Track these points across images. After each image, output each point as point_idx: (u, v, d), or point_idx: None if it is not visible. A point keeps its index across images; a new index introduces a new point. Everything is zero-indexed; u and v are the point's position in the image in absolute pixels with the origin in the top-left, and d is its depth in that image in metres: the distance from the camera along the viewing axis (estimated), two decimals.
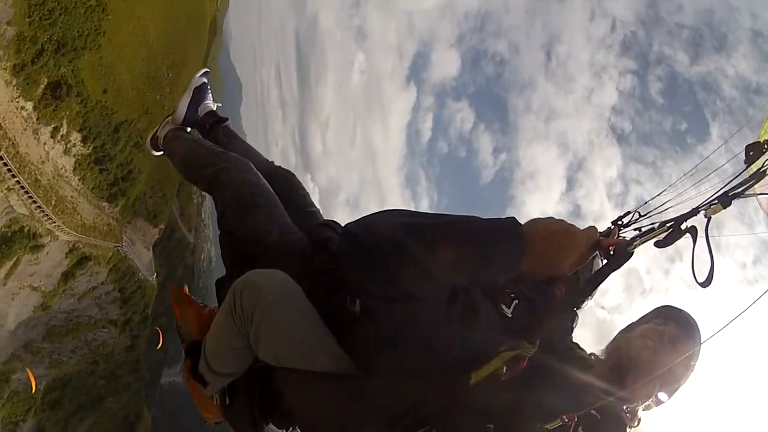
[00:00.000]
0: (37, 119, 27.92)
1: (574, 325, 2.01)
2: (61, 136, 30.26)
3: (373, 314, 1.64)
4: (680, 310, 1.97)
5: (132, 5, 32.23)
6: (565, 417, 1.54)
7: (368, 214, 1.67)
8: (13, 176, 26.82)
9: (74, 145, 31.50)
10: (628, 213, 2.10)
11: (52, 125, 29.15)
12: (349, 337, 1.73)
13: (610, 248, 1.57)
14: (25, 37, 24.80)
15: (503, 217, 1.52)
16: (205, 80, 3.30)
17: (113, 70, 32.10)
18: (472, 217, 1.54)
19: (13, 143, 26.49)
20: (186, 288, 2.54)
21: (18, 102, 26.35)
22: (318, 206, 2.65)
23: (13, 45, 24.58)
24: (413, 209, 1.69)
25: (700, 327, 1.90)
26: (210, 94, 3.27)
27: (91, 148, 32.61)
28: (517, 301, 1.75)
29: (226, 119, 3.12)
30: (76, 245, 32.83)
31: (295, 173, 2.76)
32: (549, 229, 1.51)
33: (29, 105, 27.10)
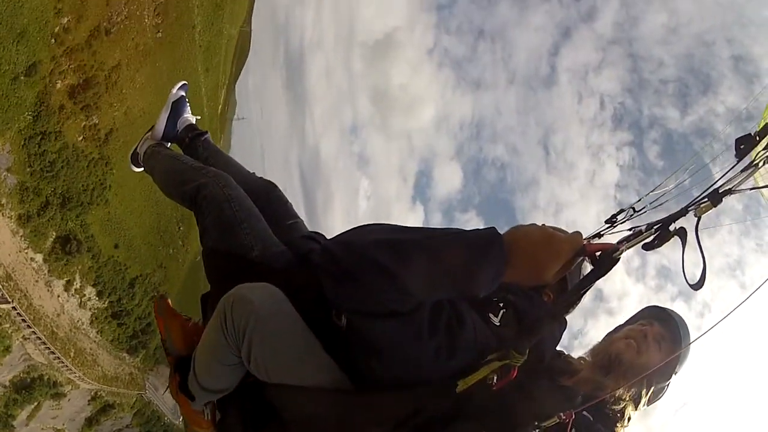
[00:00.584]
0: (49, 272, 29.08)
1: (561, 331, 2.00)
2: (75, 290, 31.35)
3: (358, 329, 1.62)
4: (665, 309, 2.13)
5: None
6: (562, 414, 1.59)
7: (348, 230, 1.73)
8: (29, 326, 27.74)
9: (89, 299, 32.58)
10: (621, 211, 2.05)
11: (65, 279, 30.28)
12: (339, 351, 1.74)
13: (597, 254, 1.54)
14: (28, 187, 26.13)
15: (483, 228, 1.53)
16: (183, 93, 3.30)
17: (123, 225, 33.37)
18: (453, 229, 1.56)
19: (25, 295, 27.88)
20: (169, 300, 2.55)
21: (27, 253, 27.52)
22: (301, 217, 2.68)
23: (16, 194, 25.90)
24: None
25: (687, 325, 2.02)
26: (188, 108, 3.28)
27: (107, 302, 33.77)
28: (504, 310, 1.77)
29: (206, 132, 3.13)
30: (99, 393, 32.46)
31: (276, 184, 2.77)
32: (530, 237, 1.50)
33: (39, 257, 28.26)
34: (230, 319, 1.81)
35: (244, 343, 1.79)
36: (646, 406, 2.01)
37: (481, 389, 1.53)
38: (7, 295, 26.48)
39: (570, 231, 1.56)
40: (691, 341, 1.93)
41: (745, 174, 1.62)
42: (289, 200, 2.72)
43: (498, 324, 1.75)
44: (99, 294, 33.09)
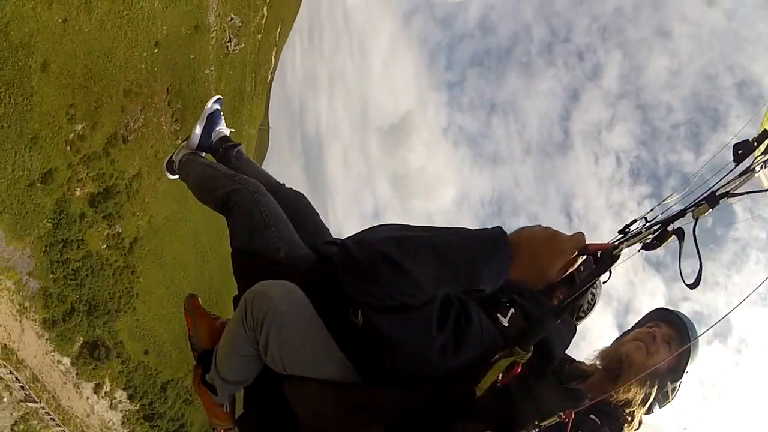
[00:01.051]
0: (77, 374, 29.47)
1: (571, 335, 2.06)
2: (105, 392, 31.42)
3: (372, 325, 1.69)
4: (672, 310, 2.22)
5: (162, 266, 33.84)
6: (562, 414, 1.63)
7: (365, 228, 1.81)
8: (58, 425, 27.93)
9: (120, 402, 32.73)
10: (635, 221, 2.11)
11: (94, 382, 30.53)
12: (353, 348, 1.84)
13: (598, 253, 1.61)
14: (51, 293, 26.40)
15: (490, 227, 1.61)
16: (218, 107, 3.53)
17: (152, 331, 33.34)
18: (461, 228, 1.64)
19: (53, 396, 28.50)
20: (199, 299, 2.72)
21: (53, 356, 27.88)
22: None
23: (39, 299, 26.06)
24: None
25: (695, 326, 2.11)
26: (223, 120, 3.49)
27: (138, 405, 33.74)
28: (513, 311, 1.83)
29: (239, 144, 3.32)
30: None
31: (305, 195, 2.90)
32: (534, 236, 1.59)
33: (66, 360, 28.62)
34: (250, 312, 1.94)
35: (262, 335, 1.92)
36: (658, 407, 2.06)
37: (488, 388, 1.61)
38: (33, 395, 26.99)
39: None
40: (699, 335, 2.01)
41: (742, 178, 1.69)
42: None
43: (506, 325, 1.80)
44: (130, 397, 33.23)
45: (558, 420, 1.64)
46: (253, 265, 2.34)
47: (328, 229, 2.75)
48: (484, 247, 1.55)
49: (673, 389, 2.08)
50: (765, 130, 1.81)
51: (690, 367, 2.08)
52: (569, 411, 1.65)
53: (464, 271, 1.55)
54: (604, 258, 1.58)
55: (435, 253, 1.57)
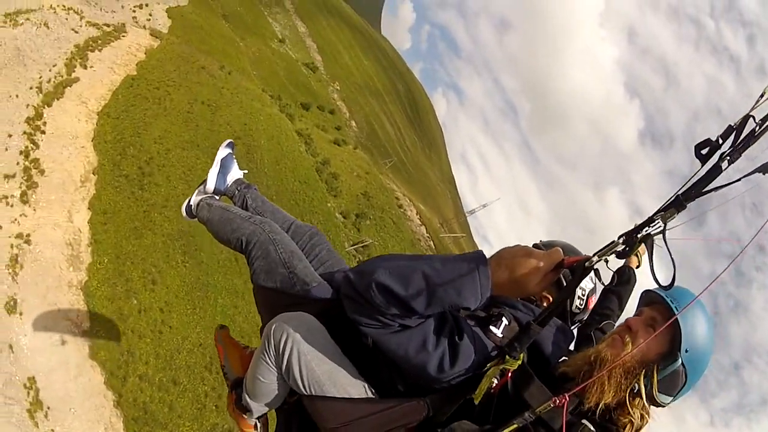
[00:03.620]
0: None
1: (568, 341, 2.22)
2: None
3: (379, 344, 1.86)
4: (650, 290, 2.15)
5: None
6: (556, 399, 1.75)
7: (371, 259, 1.98)
8: None
9: None
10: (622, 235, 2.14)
11: None
12: (367, 366, 2.09)
13: (575, 265, 1.73)
14: None
15: (471, 251, 1.78)
16: (230, 150, 3.66)
17: None
18: (447, 255, 1.83)
19: None
20: (229, 330, 3.04)
21: None
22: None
23: None
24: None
25: (687, 294, 2.00)
26: (235, 164, 3.62)
27: None
28: (507, 323, 2.01)
29: (253, 185, 3.49)
30: None
31: (318, 229, 3.08)
32: (512, 256, 1.74)
33: None
34: (272, 342, 2.17)
35: (283, 362, 2.14)
36: (668, 397, 1.97)
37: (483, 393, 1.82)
38: None
39: None
40: (684, 306, 1.91)
41: (709, 178, 1.71)
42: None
43: (500, 335, 1.99)
44: None
45: (553, 406, 1.76)
46: (273, 299, 2.55)
47: (342, 259, 2.93)
48: (465, 271, 1.69)
49: (676, 375, 1.95)
50: (729, 125, 1.82)
51: (688, 343, 1.93)
52: (563, 396, 1.74)
53: (450, 293, 1.69)
54: (578, 270, 1.72)
55: (424, 280, 1.70)
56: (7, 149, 23.35)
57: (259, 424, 2.61)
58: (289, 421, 2.42)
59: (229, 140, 3.77)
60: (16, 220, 20.98)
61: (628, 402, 1.91)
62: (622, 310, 2.97)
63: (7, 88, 26.56)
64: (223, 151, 3.62)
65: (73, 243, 22.59)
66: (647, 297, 2.17)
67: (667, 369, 1.95)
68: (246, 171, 3.70)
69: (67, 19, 36.26)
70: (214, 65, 41.17)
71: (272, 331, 2.17)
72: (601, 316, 2.88)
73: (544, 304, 2.40)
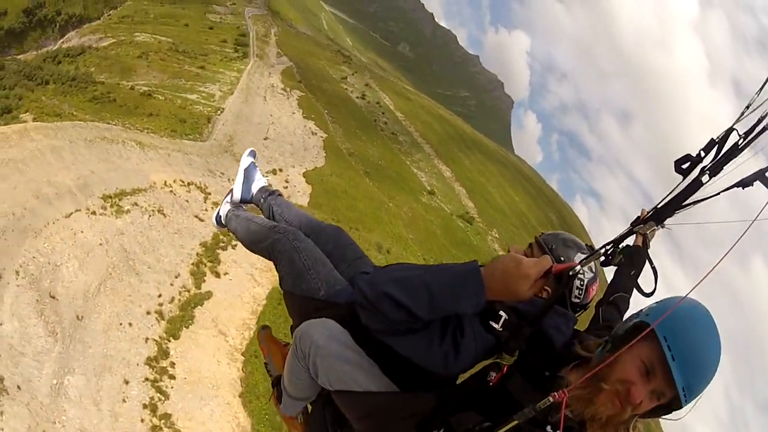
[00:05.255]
0: None
1: (570, 325, 2.29)
2: None
3: (392, 347, 2.12)
4: (642, 322, 1.92)
5: None
6: (555, 394, 1.76)
7: (380, 269, 2.44)
8: None
9: None
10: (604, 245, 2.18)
11: None
12: (386, 364, 2.23)
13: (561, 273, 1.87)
14: None
15: (467, 261, 1.94)
16: (252, 159, 3.76)
17: None
18: (447, 265, 1.99)
19: None
20: (271, 330, 3.39)
21: None
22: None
23: None
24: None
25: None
26: (258, 172, 3.72)
27: None
28: (507, 317, 2.11)
29: (277, 191, 3.62)
30: None
31: (342, 228, 3.23)
32: (503, 265, 1.85)
33: None
34: (299, 347, 2.41)
35: (310, 363, 2.36)
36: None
37: (482, 385, 1.97)
38: None
39: None
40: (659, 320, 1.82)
41: (689, 192, 1.76)
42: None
43: (501, 329, 2.09)
44: None
45: (552, 401, 1.74)
46: (301, 304, 2.71)
47: (367, 257, 3.02)
48: (462, 280, 1.87)
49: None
50: (711, 139, 1.89)
51: (694, 379, 1.77)
52: (561, 391, 1.75)
53: (449, 301, 1.88)
54: (564, 277, 1.85)
55: (426, 291, 1.90)
56: (125, 401, 16.58)
57: (299, 415, 2.89)
58: (324, 409, 2.64)
59: (250, 149, 3.85)
60: None
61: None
62: (632, 287, 2.98)
63: (116, 309, 19.40)
64: (246, 161, 3.71)
65: None
66: (635, 325, 1.90)
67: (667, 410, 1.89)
68: (269, 177, 3.70)
69: (188, 201, 28.40)
70: (371, 247, 32.07)
71: (299, 338, 2.42)
72: (606, 322, 2.77)
73: (545, 296, 2.28)
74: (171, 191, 28.33)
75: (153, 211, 25.85)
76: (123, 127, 35.61)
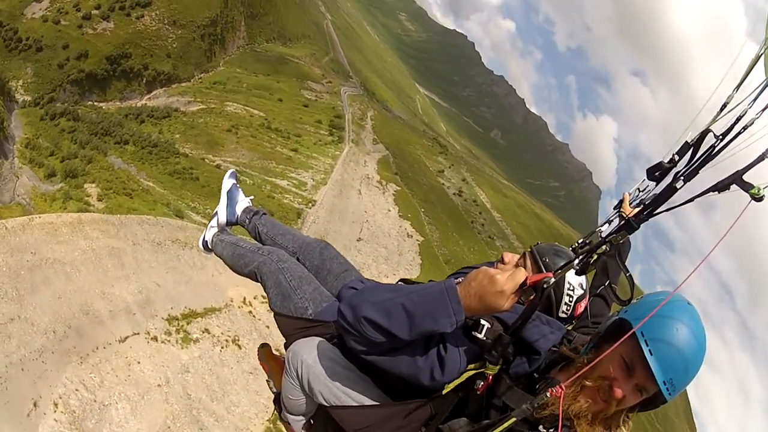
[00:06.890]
0: None
1: (555, 332, 2.28)
2: None
3: (377, 365, 2.11)
4: (623, 320, 1.99)
5: None
6: (552, 389, 1.86)
7: (356, 291, 2.33)
8: None
9: None
10: (577, 256, 2.23)
11: None
12: (378, 376, 2.33)
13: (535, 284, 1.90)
14: None
15: (443, 280, 2.01)
16: (234, 180, 3.79)
17: None
18: (425, 285, 2.04)
19: None
20: (270, 348, 3.32)
21: None
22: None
23: None
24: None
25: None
26: (241, 192, 3.72)
27: None
28: (490, 326, 2.08)
29: (260, 210, 3.64)
30: None
31: (328, 242, 3.31)
32: (476, 282, 1.88)
33: None
34: (291, 367, 2.54)
35: (304, 383, 2.48)
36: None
37: (472, 393, 2.08)
38: None
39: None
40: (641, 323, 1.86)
41: (662, 199, 1.77)
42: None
43: (484, 338, 2.08)
44: None
45: (549, 396, 1.85)
46: (290, 324, 2.77)
47: (354, 268, 3.09)
48: (438, 301, 1.90)
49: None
50: (686, 142, 1.90)
51: (675, 372, 1.84)
52: (559, 387, 1.87)
53: (427, 321, 1.91)
54: (538, 288, 1.86)
55: (404, 312, 1.92)
56: None
57: (303, 429, 2.82)
58: (326, 421, 2.58)
59: (231, 170, 3.89)
60: None
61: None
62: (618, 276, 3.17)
63: None
64: (227, 183, 3.73)
65: None
66: (615, 323, 2.00)
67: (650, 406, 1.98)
68: (252, 197, 3.82)
69: (269, 327, 24.49)
70: None
71: (290, 359, 2.53)
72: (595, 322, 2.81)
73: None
74: (250, 312, 24.82)
75: (227, 341, 22.30)
76: (200, 225, 32.85)
